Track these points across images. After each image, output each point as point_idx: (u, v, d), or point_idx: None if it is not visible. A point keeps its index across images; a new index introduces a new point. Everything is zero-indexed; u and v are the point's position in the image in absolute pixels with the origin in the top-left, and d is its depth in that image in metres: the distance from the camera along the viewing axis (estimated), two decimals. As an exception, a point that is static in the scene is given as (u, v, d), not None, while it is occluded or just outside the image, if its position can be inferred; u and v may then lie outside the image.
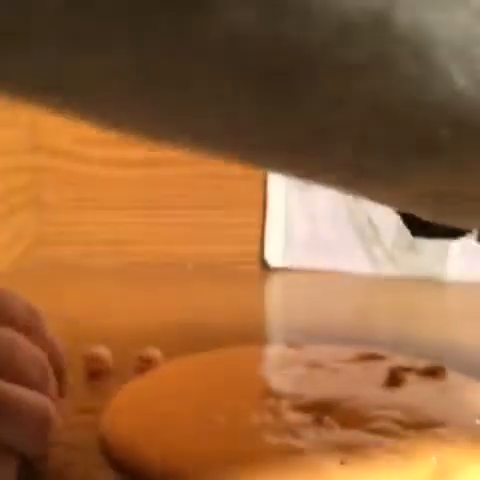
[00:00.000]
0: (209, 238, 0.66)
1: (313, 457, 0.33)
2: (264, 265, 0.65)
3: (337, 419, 0.36)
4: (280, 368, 0.41)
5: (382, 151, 0.18)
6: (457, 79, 0.16)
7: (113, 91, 0.16)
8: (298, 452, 0.33)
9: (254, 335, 0.50)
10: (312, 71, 0.15)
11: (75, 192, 0.66)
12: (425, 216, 0.23)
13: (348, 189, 0.21)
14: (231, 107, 0.16)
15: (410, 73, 0.16)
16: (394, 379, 0.40)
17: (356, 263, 0.63)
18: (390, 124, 0.17)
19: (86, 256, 0.63)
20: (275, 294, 0.67)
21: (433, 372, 0.41)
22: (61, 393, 0.34)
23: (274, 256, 0.65)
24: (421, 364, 0.42)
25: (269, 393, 0.38)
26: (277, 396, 0.37)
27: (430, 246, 0.62)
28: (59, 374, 0.33)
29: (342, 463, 0.32)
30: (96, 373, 0.43)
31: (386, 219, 0.62)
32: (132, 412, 0.37)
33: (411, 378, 0.41)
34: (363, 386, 0.39)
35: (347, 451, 0.33)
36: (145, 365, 0.43)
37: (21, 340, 0.31)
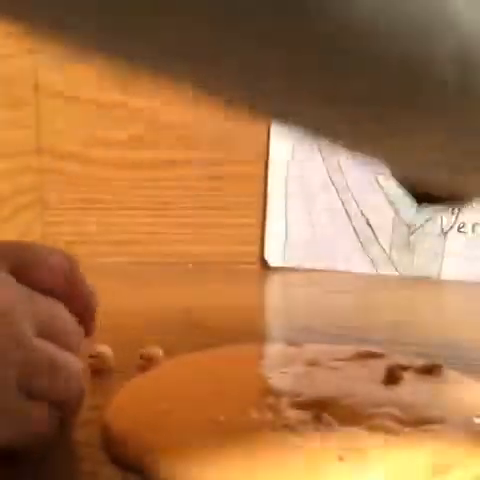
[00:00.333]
0: (209, 238, 0.66)
1: (312, 453, 0.33)
2: (264, 265, 0.65)
3: (336, 416, 0.36)
4: (280, 366, 0.42)
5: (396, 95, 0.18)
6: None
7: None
8: (297, 448, 0.33)
9: (254, 334, 0.51)
10: None
11: (79, 193, 0.66)
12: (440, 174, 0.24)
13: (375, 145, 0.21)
14: None
15: None
16: (392, 377, 0.41)
17: (354, 263, 0.63)
18: (402, 64, 0.17)
19: (89, 256, 0.63)
20: (275, 294, 0.67)
21: (430, 370, 0.41)
22: (89, 332, 0.38)
23: (274, 256, 0.65)
24: (419, 362, 0.42)
25: (269, 391, 0.38)
26: (276, 394, 0.38)
27: (427, 245, 0.62)
28: (90, 314, 0.38)
29: (341, 459, 0.32)
30: (99, 371, 0.43)
31: (383, 219, 0.63)
32: (134, 409, 0.37)
33: (409, 376, 0.41)
34: (361, 384, 0.40)
35: (345, 448, 0.33)
36: (147, 363, 0.43)
37: (59, 306, 0.35)
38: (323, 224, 0.64)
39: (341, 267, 0.64)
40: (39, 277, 0.35)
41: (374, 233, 0.63)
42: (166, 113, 0.64)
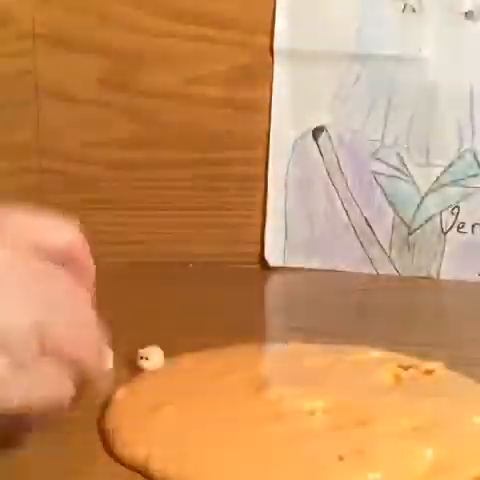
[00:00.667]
0: (209, 238, 0.66)
1: (312, 452, 0.33)
2: (264, 265, 0.65)
3: (335, 416, 0.36)
4: (280, 366, 0.42)
5: None
6: None
7: None
8: (297, 448, 0.33)
9: (254, 334, 0.51)
10: None
11: (79, 193, 0.66)
12: None
13: None
14: None
15: None
16: (392, 378, 0.41)
17: (354, 263, 0.64)
18: None
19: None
20: (275, 294, 0.67)
21: (430, 371, 0.41)
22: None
23: (274, 256, 0.65)
24: (418, 363, 0.42)
25: (268, 391, 0.38)
26: (276, 393, 0.38)
27: (426, 245, 0.62)
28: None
29: (341, 459, 0.33)
30: (98, 371, 0.43)
31: (383, 219, 0.63)
32: (133, 409, 0.37)
33: (409, 377, 0.41)
34: (361, 384, 0.40)
35: (346, 446, 0.33)
36: (146, 363, 0.43)
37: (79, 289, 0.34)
38: (323, 224, 0.64)
39: (341, 267, 0.64)
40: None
41: (374, 233, 0.63)
42: (166, 113, 0.64)
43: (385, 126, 0.62)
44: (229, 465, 0.33)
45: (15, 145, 0.65)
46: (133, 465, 0.34)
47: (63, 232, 0.35)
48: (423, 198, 0.62)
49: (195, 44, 0.63)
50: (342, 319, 0.55)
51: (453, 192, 0.61)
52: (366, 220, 0.63)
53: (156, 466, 0.33)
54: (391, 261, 0.63)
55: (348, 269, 0.64)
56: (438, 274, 0.62)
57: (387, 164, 0.62)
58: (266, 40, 0.62)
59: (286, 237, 0.65)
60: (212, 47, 0.63)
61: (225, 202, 0.66)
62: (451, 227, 0.62)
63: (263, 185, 0.65)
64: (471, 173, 0.61)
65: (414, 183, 0.62)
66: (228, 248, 0.66)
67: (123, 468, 0.34)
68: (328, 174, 0.63)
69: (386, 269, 0.63)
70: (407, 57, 0.60)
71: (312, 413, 0.36)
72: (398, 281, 0.63)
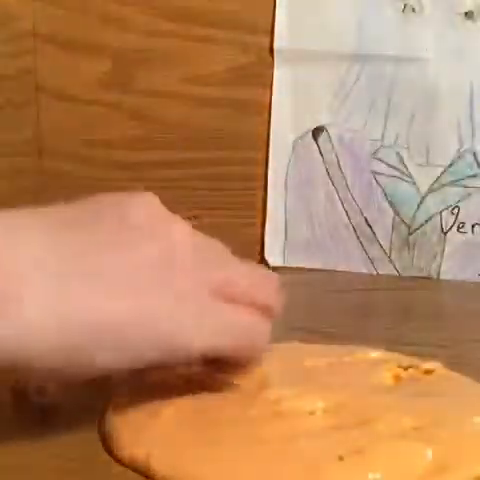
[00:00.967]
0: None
1: (312, 452, 0.33)
2: (264, 265, 0.65)
3: (335, 416, 0.36)
4: (280, 366, 0.42)
5: None
6: None
7: None
8: (297, 448, 0.33)
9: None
10: None
11: (79, 193, 0.66)
12: None
13: None
14: None
15: None
16: (392, 378, 0.41)
17: (354, 263, 0.64)
18: None
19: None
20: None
21: (430, 371, 0.41)
22: None
23: (274, 256, 0.65)
24: (418, 363, 0.42)
25: (269, 390, 0.38)
26: (276, 393, 0.38)
27: (426, 245, 0.62)
28: None
29: (341, 459, 0.33)
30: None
31: (383, 219, 0.63)
32: (133, 410, 0.37)
33: (408, 377, 0.41)
34: (361, 384, 0.40)
35: (346, 446, 0.33)
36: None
37: None
38: (323, 224, 0.64)
39: (341, 267, 0.64)
40: None
41: (374, 233, 0.63)
42: (166, 113, 0.65)
43: (385, 126, 0.62)
44: (229, 465, 0.33)
45: (15, 145, 0.65)
46: (133, 465, 0.34)
47: None
48: (423, 198, 0.62)
49: (195, 44, 0.63)
50: (342, 319, 0.55)
51: (453, 192, 0.62)
52: (366, 220, 0.63)
53: (156, 466, 0.33)
54: (391, 261, 0.63)
55: (348, 269, 0.64)
56: (438, 274, 0.62)
57: (387, 164, 0.62)
58: (266, 40, 0.62)
59: (286, 237, 0.65)
60: (212, 47, 0.63)
61: (225, 202, 0.66)
62: (451, 227, 0.62)
63: (263, 185, 0.65)
64: (471, 173, 0.61)
65: (414, 183, 0.62)
66: (228, 248, 0.66)
67: (123, 468, 0.34)
68: (328, 174, 0.63)
69: (386, 269, 0.63)
70: (407, 57, 0.61)
71: (312, 413, 0.36)
72: (398, 281, 0.63)
